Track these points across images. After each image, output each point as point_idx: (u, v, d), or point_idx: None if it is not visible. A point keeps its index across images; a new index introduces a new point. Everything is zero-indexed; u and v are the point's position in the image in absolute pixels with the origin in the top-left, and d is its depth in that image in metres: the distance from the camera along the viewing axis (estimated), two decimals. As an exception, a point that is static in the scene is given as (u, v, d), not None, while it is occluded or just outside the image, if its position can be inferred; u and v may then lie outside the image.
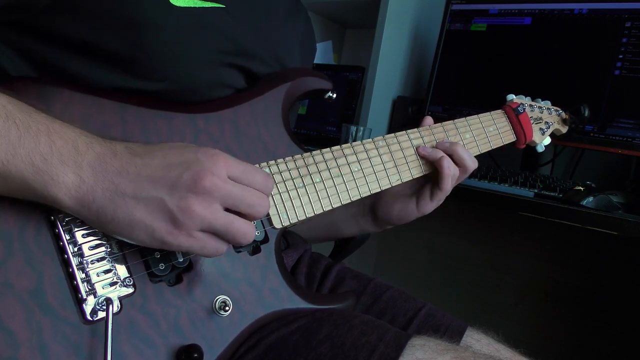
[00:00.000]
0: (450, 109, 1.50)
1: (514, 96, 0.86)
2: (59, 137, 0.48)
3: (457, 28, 1.51)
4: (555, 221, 1.02)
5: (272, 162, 0.63)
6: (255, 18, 0.67)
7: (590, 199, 1.01)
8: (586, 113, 0.89)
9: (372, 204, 0.83)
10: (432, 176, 0.76)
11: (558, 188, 1.07)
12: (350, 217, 0.86)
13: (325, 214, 0.66)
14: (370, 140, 0.71)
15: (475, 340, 0.76)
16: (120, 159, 0.49)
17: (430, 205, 0.77)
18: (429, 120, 0.78)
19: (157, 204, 0.48)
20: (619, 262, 1.45)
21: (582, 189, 1.05)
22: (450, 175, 0.73)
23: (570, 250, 1.54)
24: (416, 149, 0.74)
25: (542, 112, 0.86)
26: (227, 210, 0.51)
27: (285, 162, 0.64)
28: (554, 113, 0.88)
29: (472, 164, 0.75)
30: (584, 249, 1.50)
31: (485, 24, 1.46)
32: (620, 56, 1.22)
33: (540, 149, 0.88)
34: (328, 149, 0.67)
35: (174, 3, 0.57)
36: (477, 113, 0.80)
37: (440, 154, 0.73)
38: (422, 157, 0.74)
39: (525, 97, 0.87)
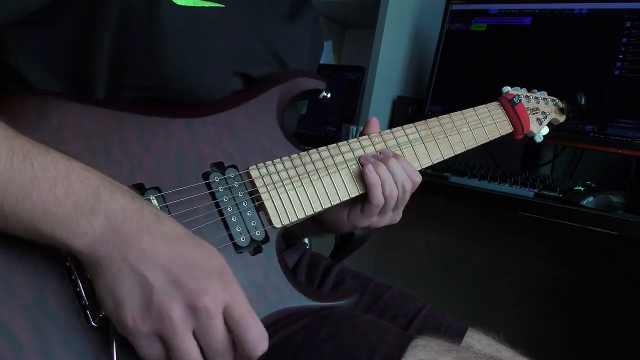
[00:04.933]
0: (450, 109, 1.48)
1: (509, 88, 0.86)
2: (80, 181, 0.46)
3: (457, 28, 1.51)
4: (555, 221, 1.02)
5: (270, 162, 0.63)
6: (255, 18, 0.67)
7: (590, 199, 1.01)
8: (582, 100, 0.88)
9: None
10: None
11: (558, 188, 1.07)
12: None
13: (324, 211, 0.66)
14: (366, 137, 0.70)
15: (476, 340, 0.76)
16: (139, 223, 0.47)
17: (360, 218, 0.70)
18: (374, 121, 0.73)
19: (145, 286, 0.46)
20: (619, 262, 1.45)
21: (582, 189, 1.05)
22: (375, 185, 0.66)
23: (570, 250, 1.54)
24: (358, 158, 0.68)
25: (538, 102, 0.86)
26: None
27: (283, 162, 0.64)
28: (550, 103, 0.88)
29: (406, 177, 0.68)
30: (584, 249, 1.50)
31: (485, 24, 1.46)
32: (620, 56, 1.22)
33: (538, 139, 0.87)
34: (325, 147, 0.67)
35: (175, 1, 0.57)
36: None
37: (369, 160, 0.67)
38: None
39: (521, 88, 0.87)
